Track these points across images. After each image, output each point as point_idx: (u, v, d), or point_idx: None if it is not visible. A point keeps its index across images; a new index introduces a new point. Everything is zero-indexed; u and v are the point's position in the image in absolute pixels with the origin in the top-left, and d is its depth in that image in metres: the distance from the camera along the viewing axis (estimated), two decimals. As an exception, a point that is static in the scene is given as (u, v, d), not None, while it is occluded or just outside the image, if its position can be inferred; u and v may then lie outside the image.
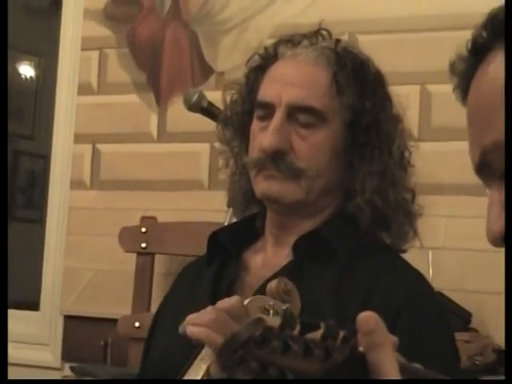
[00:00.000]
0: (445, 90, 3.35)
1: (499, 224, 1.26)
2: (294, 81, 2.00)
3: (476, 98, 1.22)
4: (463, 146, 3.36)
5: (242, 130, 2.06)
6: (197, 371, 1.82)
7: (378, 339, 1.04)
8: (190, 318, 1.72)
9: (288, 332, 1.05)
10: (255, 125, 1.98)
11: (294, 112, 1.96)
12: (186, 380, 1.84)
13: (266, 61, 2.02)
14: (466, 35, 2.95)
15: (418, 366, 1.17)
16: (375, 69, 2.03)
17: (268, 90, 1.98)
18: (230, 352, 1.06)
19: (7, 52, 3.60)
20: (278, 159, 1.94)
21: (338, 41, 2.01)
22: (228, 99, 2.11)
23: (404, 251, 2.01)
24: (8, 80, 5.91)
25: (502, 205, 1.20)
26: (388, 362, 1.06)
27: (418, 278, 1.97)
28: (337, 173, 2.00)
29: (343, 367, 1.04)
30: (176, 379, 1.87)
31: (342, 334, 1.03)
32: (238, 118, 2.09)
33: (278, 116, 1.94)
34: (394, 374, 1.07)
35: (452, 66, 1.25)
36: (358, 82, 1.98)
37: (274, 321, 1.27)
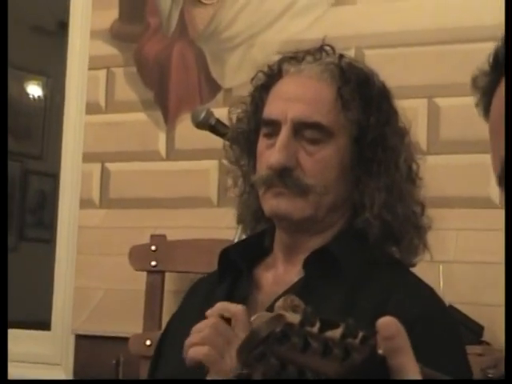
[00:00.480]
0: (453, 103, 3.44)
1: None
2: (298, 97, 2.00)
3: (499, 111, 1.21)
4: (472, 159, 3.34)
5: (249, 149, 2.06)
6: None
7: (399, 344, 1.04)
8: (187, 342, 1.79)
9: (308, 329, 1.04)
10: (262, 142, 1.98)
11: (300, 128, 1.95)
12: (187, 380, 1.89)
13: (270, 78, 2.02)
14: (473, 48, 2.92)
15: (437, 373, 1.17)
16: (380, 83, 2.02)
17: (273, 108, 1.99)
18: (251, 348, 1.06)
19: (7, 66, 3.64)
20: (285, 176, 1.93)
21: (341, 56, 2.02)
22: (234, 118, 2.12)
23: (414, 265, 2.00)
24: (16, 100, 5.83)
25: None
26: (411, 366, 1.06)
27: (429, 294, 1.97)
28: (344, 188, 2.00)
29: (362, 368, 1.04)
30: (174, 379, 1.93)
31: (361, 334, 1.03)
32: (244, 137, 2.09)
33: (284, 133, 1.95)
34: (415, 377, 1.08)
35: (474, 80, 1.25)
36: (362, 97, 1.99)
37: (294, 318, 1.17)
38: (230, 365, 1.78)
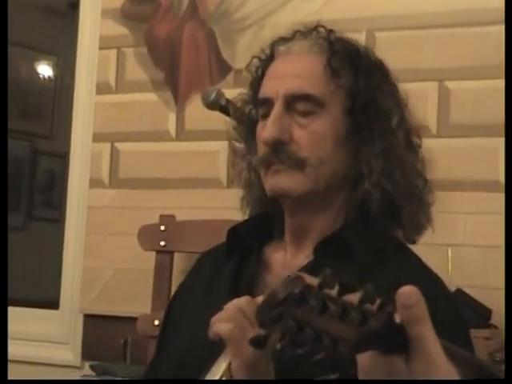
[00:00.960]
0: (463, 86, 3.42)
1: None
2: (289, 72, 2.01)
3: None
4: (482, 142, 3.35)
5: (253, 130, 2.06)
6: (218, 369, 1.84)
7: (419, 313, 1.06)
8: (214, 319, 1.75)
9: (326, 292, 1.07)
10: (260, 124, 2.00)
11: (292, 102, 1.95)
12: (187, 380, 1.89)
13: (264, 62, 2.04)
14: (484, 31, 2.97)
15: (457, 348, 1.23)
16: (373, 56, 2.03)
17: (266, 87, 2.00)
18: (269, 309, 1.08)
19: (7, 52, 3.61)
20: (279, 150, 1.94)
21: (331, 31, 2.00)
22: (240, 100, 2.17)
23: (414, 242, 2.03)
24: (26, 80, 5.86)
25: None
26: (431, 335, 1.10)
27: (433, 278, 1.97)
28: (341, 159, 2.00)
29: (379, 335, 1.08)
30: (179, 379, 1.92)
31: (378, 300, 1.07)
32: (248, 121, 2.12)
33: (277, 108, 1.95)
34: (437, 347, 1.13)
35: None
36: (352, 65, 1.98)
37: (312, 280, 1.20)
38: (244, 349, 1.77)
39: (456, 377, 1.18)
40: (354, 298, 1.08)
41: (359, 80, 1.98)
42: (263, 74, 2.03)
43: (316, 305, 1.07)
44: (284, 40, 2.03)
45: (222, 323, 1.76)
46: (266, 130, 1.94)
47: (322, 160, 1.95)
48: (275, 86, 1.97)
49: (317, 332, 1.08)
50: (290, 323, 1.07)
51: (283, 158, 1.93)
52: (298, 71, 2.00)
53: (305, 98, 1.95)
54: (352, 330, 1.08)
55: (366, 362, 1.19)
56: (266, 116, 1.97)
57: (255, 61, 2.08)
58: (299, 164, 1.93)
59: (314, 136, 1.97)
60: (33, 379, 1.82)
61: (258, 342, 1.24)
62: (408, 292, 1.09)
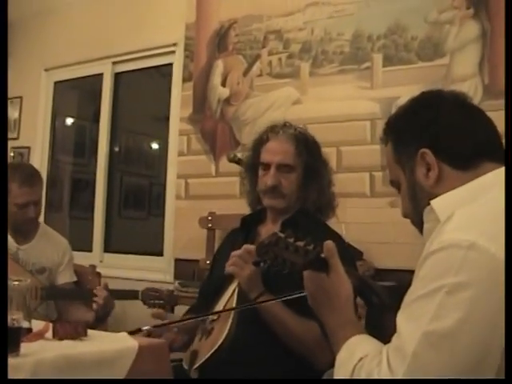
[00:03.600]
0: None
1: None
2: (278, 151, 2.74)
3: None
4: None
5: (253, 174, 2.86)
6: (231, 288, 2.62)
7: (333, 253, 1.60)
8: (228, 263, 2.52)
9: (288, 239, 1.57)
10: (260, 172, 2.76)
11: (280, 166, 2.71)
12: (187, 380, 2.39)
13: (262, 140, 2.83)
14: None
15: (354, 270, 1.74)
16: (313, 139, 2.78)
17: (266, 156, 2.75)
18: (260, 248, 1.63)
19: (7, 56, 4.31)
20: (274, 189, 2.71)
21: (295, 128, 2.80)
22: (245, 159, 2.95)
23: (326, 221, 2.75)
24: (140, 149, 6.06)
25: None
26: (338, 263, 1.64)
27: (338, 235, 2.66)
28: (299, 191, 2.76)
29: (314, 261, 1.53)
30: (179, 379, 2.39)
31: (313, 245, 1.55)
32: (250, 168, 2.88)
33: (273, 169, 2.71)
34: (341, 268, 1.65)
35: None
36: (306, 149, 2.74)
37: (281, 234, 1.64)
38: (246, 273, 2.53)
39: (347, 280, 1.68)
40: (301, 243, 1.56)
41: (307, 155, 2.72)
42: (262, 146, 2.78)
43: (283, 246, 1.54)
44: (273, 131, 2.78)
45: (229, 266, 2.55)
46: (269, 180, 2.68)
47: (292, 193, 2.72)
48: (270, 157, 2.72)
49: (283, 259, 1.55)
50: (271, 255, 1.55)
51: (275, 193, 2.69)
52: (282, 150, 2.73)
53: (285, 165, 2.71)
54: (300, 258, 1.52)
55: (307, 275, 1.67)
56: (265, 169, 2.73)
57: (258, 137, 2.83)
58: (282, 195, 2.71)
59: (289, 183, 2.73)
60: (36, 378, 1.84)
61: (255, 264, 2.11)
62: (328, 243, 1.59)
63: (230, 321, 2.42)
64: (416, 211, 1.67)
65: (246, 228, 2.84)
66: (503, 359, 1.37)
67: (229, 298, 2.54)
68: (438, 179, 1.61)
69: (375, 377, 1.47)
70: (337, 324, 1.63)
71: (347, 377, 1.55)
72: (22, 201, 3.61)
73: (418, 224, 1.68)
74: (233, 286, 2.55)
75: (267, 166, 2.73)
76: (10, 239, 3.69)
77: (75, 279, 3.91)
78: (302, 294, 1.75)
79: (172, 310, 3.96)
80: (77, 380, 1.98)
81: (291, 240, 1.57)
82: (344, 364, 1.57)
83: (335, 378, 1.61)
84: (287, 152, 2.73)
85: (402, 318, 1.46)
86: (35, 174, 3.76)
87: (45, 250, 3.81)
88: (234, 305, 2.52)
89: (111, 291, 3.45)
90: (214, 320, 2.49)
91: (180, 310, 3.44)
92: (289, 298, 2.26)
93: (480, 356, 1.36)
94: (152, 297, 3.53)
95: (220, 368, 2.37)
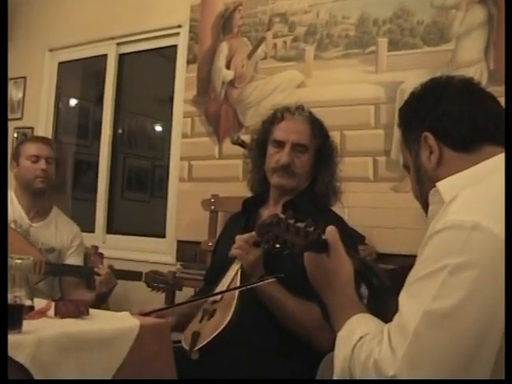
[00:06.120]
0: None
1: None
2: (293, 131, 2.77)
3: None
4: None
5: (260, 152, 2.85)
6: (234, 268, 2.61)
7: (335, 235, 1.65)
8: (234, 246, 2.54)
9: (289, 221, 1.57)
10: (271, 150, 2.77)
11: (294, 146, 2.75)
12: (187, 380, 2.32)
13: (275, 118, 2.83)
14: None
15: (354, 253, 1.68)
16: (324, 125, 2.82)
17: (281, 134, 2.78)
18: (262, 228, 1.71)
19: (7, 51, 4.20)
20: (286, 167, 2.73)
21: (310, 112, 2.84)
22: (253, 138, 2.92)
23: (331, 205, 2.77)
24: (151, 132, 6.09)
25: None
26: (339, 245, 1.67)
27: (341, 219, 2.72)
28: (310, 172, 2.77)
29: (315, 242, 1.54)
30: (179, 379, 2.28)
31: (313, 226, 1.55)
32: (258, 146, 2.86)
33: (287, 147, 2.74)
34: (343, 250, 1.68)
35: None
36: (320, 133, 2.80)
37: (282, 216, 1.67)
38: (250, 257, 2.54)
39: (348, 260, 1.70)
40: (301, 224, 1.57)
41: (321, 139, 2.78)
42: (273, 125, 2.80)
43: (283, 227, 1.55)
44: (288, 111, 2.83)
45: (234, 249, 2.56)
46: (283, 158, 2.71)
47: (303, 173, 2.74)
48: (286, 135, 2.75)
49: (284, 240, 1.56)
50: (271, 235, 1.57)
51: (288, 171, 2.69)
52: (298, 131, 2.77)
53: (301, 145, 2.75)
54: (301, 240, 1.52)
55: (308, 256, 1.69)
56: (277, 147, 2.75)
57: (270, 115, 2.84)
58: (293, 175, 2.72)
59: (302, 162, 2.75)
60: (36, 379, 1.80)
61: (256, 243, 2.35)
62: (330, 228, 1.65)
63: (234, 305, 2.40)
64: (421, 193, 1.71)
65: (248, 211, 2.85)
66: (503, 340, 1.38)
67: (231, 279, 2.53)
68: (439, 162, 1.65)
69: (375, 355, 1.48)
70: (338, 304, 1.65)
71: (347, 356, 1.56)
72: (35, 152, 3.74)
73: (424, 206, 1.71)
74: (235, 268, 2.55)
75: (281, 144, 2.76)
76: (23, 214, 3.76)
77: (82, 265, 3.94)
78: (272, 279, 1.92)
79: (173, 295, 4.08)
80: (77, 380, 1.99)
81: (292, 221, 1.59)
82: (344, 343, 1.58)
83: (335, 357, 1.61)
84: (303, 132, 2.77)
85: (404, 297, 1.48)
86: (48, 139, 4.05)
87: (55, 232, 3.87)
88: (236, 283, 2.54)
89: (115, 271, 3.53)
90: (215, 301, 2.49)
91: (184, 292, 3.59)
92: (260, 284, 2.36)
93: (481, 336, 1.37)
94: (156, 279, 3.60)
95: (222, 351, 2.36)
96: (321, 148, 2.79)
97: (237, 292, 2.42)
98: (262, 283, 2.38)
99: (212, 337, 2.34)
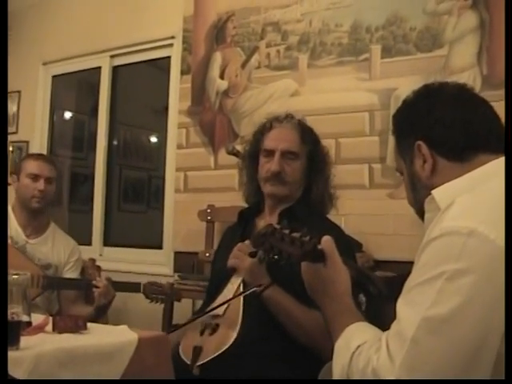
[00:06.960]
0: None
1: None
2: (283, 139, 2.74)
3: None
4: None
5: (253, 163, 2.84)
6: (235, 282, 2.60)
7: (331, 244, 1.65)
8: (230, 257, 2.55)
9: (284, 231, 1.57)
10: (262, 160, 2.75)
11: (284, 153, 2.71)
12: (187, 380, 2.33)
13: (265, 128, 2.82)
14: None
15: (350, 261, 1.68)
16: (314, 132, 2.81)
17: (270, 143, 2.75)
18: (257, 239, 1.68)
19: (7, 53, 4.05)
20: (277, 175, 2.70)
21: (299, 119, 2.83)
22: (245, 148, 2.92)
23: (327, 213, 2.74)
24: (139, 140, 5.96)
25: None
26: (336, 254, 1.67)
27: (338, 228, 2.69)
28: (302, 181, 2.76)
29: (310, 252, 1.53)
30: (179, 379, 2.30)
31: (309, 236, 1.55)
32: (251, 156, 2.85)
33: (277, 155, 2.71)
34: (339, 259, 1.68)
35: None
36: (310, 139, 2.78)
37: (277, 226, 1.65)
38: (247, 266, 2.54)
39: (345, 269, 1.69)
40: (297, 234, 1.56)
41: (312, 145, 2.75)
42: (263, 135, 2.78)
43: (278, 237, 1.55)
44: (277, 120, 2.80)
45: (231, 259, 2.57)
46: (273, 166, 2.66)
47: (295, 181, 2.71)
48: (275, 143, 2.72)
49: (280, 250, 1.55)
50: (267, 245, 1.56)
51: (279, 179, 2.66)
52: (287, 139, 2.74)
53: (290, 152, 2.71)
54: (297, 250, 1.52)
55: (304, 266, 1.69)
56: (267, 156, 2.71)
57: (260, 127, 2.81)
58: (285, 183, 2.69)
59: (293, 170, 2.72)
60: (35, 379, 1.82)
61: (252, 255, 2.34)
62: (326, 238, 1.66)
63: (239, 323, 2.41)
64: (416, 201, 1.70)
65: (244, 221, 2.84)
66: (503, 345, 1.38)
67: (234, 293, 2.53)
68: (432, 171, 1.64)
69: (374, 363, 1.47)
70: (335, 312, 1.65)
71: (345, 365, 1.55)
72: (35, 171, 3.72)
73: (419, 213, 1.70)
74: (237, 282, 2.55)
75: (271, 153, 2.73)
76: (20, 231, 3.76)
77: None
78: (252, 290, 1.87)
79: (172, 305, 4.08)
80: (77, 380, 1.99)
81: (287, 231, 1.59)
82: (342, 351, 1.58)
83: (334, 366, 1.61)
84: (292, 140, 2.75)
85: (401, 304, 1.48)
86: (51, 158, 4.00)
87: (52, 248, 3.85)
88: (240, 300, 2.52)
89: (113, 283, 3.51)
90: (218, 316, 2.49)
91: (183, 303, 3.56)
92: (242, 294, 2.35)
93: (479, 342, 1.37)
94: (154, 291, 3.58)
95: (224, 370, 2.35)
96: (312, 154, 2.77)
97: (241, 307, 2.42)
98: (247, 292, 2.38)
99: (217, 354, 2.34)
